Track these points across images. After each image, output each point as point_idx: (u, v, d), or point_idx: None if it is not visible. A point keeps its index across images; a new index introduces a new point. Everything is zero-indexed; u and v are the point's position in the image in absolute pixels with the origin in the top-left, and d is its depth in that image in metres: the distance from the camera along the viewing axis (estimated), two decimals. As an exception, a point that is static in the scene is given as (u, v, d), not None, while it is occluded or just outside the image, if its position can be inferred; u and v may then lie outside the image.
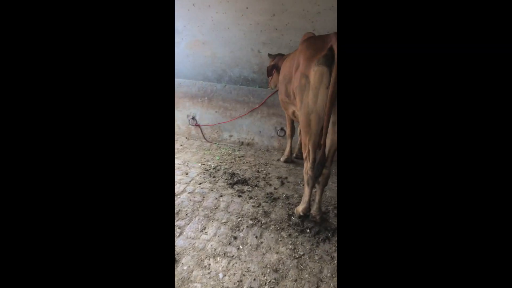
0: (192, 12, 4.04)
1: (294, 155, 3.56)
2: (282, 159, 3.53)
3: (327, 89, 1.94)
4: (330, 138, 2.09)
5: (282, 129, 3.75)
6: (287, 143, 3.47)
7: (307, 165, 2.22)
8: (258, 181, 3.06)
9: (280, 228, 2.37)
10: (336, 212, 2.59)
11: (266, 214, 2.54)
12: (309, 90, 2.01)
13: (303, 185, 2.88)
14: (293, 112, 2.59)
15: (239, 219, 2.45)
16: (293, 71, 2.33)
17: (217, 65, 4.40)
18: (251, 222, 2.42)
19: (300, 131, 3.51)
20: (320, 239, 2.25)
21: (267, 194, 2.83)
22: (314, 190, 2.34)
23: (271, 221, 2.45)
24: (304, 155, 2.24)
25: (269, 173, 3.25)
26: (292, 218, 2.50)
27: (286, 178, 3.17)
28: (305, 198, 2.34)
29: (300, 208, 2.41)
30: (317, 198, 2.33)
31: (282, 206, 2.67)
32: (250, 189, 2.90)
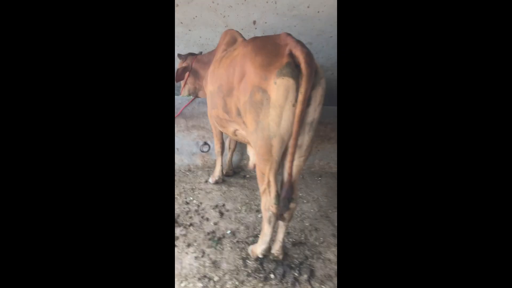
0: None
1: (224, 172, 3.04)
2: (211, 180, 2.96)
3: (294, 107, 1.51)
4: (296, 165, 1.67)
5: (205, 143, 3.16)
6: (216, 161, 2.91)
7: (267, 200, 1.76)
8: (191, 218, 2.42)
9: (239, 282, 1.84)
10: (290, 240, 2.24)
11: (215, 265, 1.96)
12: (269, 108, 1.53)
13: (261, 220, 2.42)
14: (235, 131, 2.07)
15: (182, 285, 1.80)
16: (233, 80, 1.79)
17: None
18: (200, 284, 1.80)
19: (230, 147, 3.03)
20: (289, 284, 1.85)
21: (208, 234, 2.24)
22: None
23: (224, 274, 1.90)
24: (262, 188, 1.77)
25: (201, 203, 2.64)
26: (248, 262, 2.01)
27: (224, 205, 2.63)
28: (265, 238, 1.88)
29: (258, 250, 1.94)
30: (280, 236, 1.90)
31: (231, 248, 2.13)
32: (184, 232, 2.24)
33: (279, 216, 1.76)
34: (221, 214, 2.50)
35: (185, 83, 2.97)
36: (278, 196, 1.71)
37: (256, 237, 2.25)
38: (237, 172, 3.24)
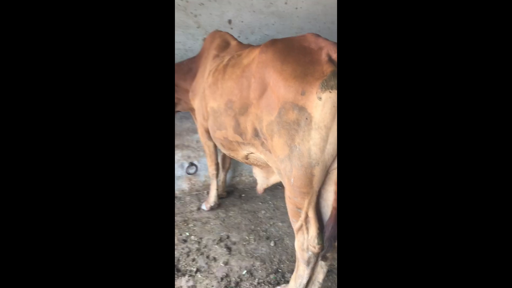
0: None
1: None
2: (205, 207, 2.55)
3: None
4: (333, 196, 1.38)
5: (191, 164, 2.73)
6: (211, 185, 2.51)
7: (305, 239, 1.45)
8: (194, 261, 2.00)
9: None
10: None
11: (242, 322, 1.60)
12: (311, 130, 1.21)
13: (275, 250, 2.09)
14: (247, 155, 1.71)
15: None
16: (249, 95, 1.44)
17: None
18: None
19: (224, 166, 2.62)
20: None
21: (222, 280, 1.86)
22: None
23: (256, 332, 1.55)
24: (298, 225, 1.45)
25: (200, 238, 2.23)
26: (279, 308, 1.69)
27: (228, 237, 2.26)
28: (301, 280, 1.57)
29: (293, 294, 1.62)
30: (320, 277, 1.59)
31: (254, 293, 1.79)
32: (192, 283, 1.83)
33: (323, 256, 1.46)
34: (229, 249, 2.12)
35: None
36: (321, 234, 1.40)
37: (277, 273, 1.93)
38: (230, 192, 2.87)
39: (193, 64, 2.39)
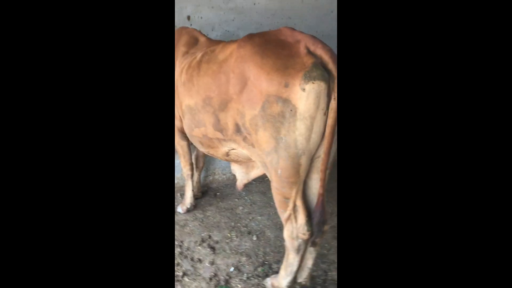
0: None
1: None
2: (181, 209, 2.48)
3: (325, 116, 1.26)
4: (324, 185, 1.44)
5: (162, 167, 2.62)
6: (186, 186, 2.44)
7: (294, 227, 1.49)
8: (179, 264, 1.95)
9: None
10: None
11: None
12: (296, 121, 1.25)
13: (258, 244, 2.11)
14: (228, 152, 1.69)
15: None
16: (229, 91, 1.43)
17: None
18: None
19: (198, 166, 2.55)
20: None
21: (210, 280, 1.84)
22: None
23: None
24: (286, 215, 1.49)
25: (182, 242, 2.17)
26: (270, 299, 1.72)
27: (210, 237, 2.23)
28: (291, 268, 1.62)
29: (283, 283, 1.66)
30: (309, 263, 1.65)
31: (245, 288, 1.79)
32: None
33: (310, 243, 1.52)
34: (212, 248, 2.10)
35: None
36: (309, 221, 1.45)
37: (264, 265, 1.96)
38: (204, 192, 2.82)
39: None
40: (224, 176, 3.02)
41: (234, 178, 3.09)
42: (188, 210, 2.48)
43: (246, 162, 1.85)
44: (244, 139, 1.50)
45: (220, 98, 1.48)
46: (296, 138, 1.28)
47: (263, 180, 2.92)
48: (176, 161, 2.71)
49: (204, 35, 2.09)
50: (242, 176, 1.94)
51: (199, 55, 1.71)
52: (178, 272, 1.88)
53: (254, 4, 3.33)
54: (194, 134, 1.74)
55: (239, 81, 1.38)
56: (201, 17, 3.08)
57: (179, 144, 2.22)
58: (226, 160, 1.84)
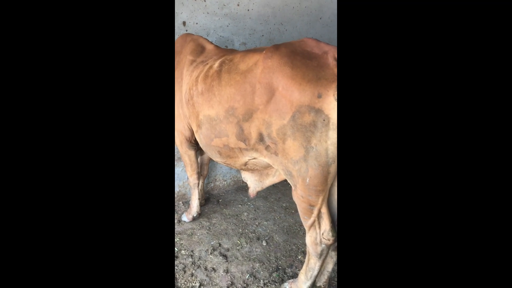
0: None
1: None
2: (186, 218, 2.45)
3: None
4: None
5: (164, 176, 2.57)
6: (192, 195, 2.41)
7: (317, 233, 1.54)
8: (193, 275, 1.93)
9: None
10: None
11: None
12: (329, 130, 1.30)
13: (269, 249, 2.13)
14: (247, 161, 1.70)
15: None
16: (254, 101, 1.45)
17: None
18: None
19: (202, 173, 2.53)
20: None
21: (228, 288, 1.84)
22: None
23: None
24: (310, 222, 1.54)
25: (192, 251, 2.14)
26: (290, 304, 1.75)
27: (220, 245, 2.22)
28: (312, 273, 1.67)
29: (303, 287, 1.70)
30: (330, 267, 1.70)
31: (264, 295, 1.81)
32: (199, 298, 1.76)
33: (333, 248, 1.57)
34: (225, 256, 2.09)
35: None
36: (334, 227, 1.51)
37: (278, 270, 2.00)
38: (207, 199, 2.80)
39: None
40: (225, 182, 3.01)
41: (234, 184, 3.10)
42: (194, 219, 2.46)
43: (259, 170, 1.87)
44: (267, 148, 1.53)
45: (244, 108, 1.49)
46: (328, 147, 1.33)
47: (263, 185, 2.95)
48: (177, 169, 2.66)
49: (210, 42, 2.08)
50: (255, 184, 1.96)
51: (215, 64, 1.70)
52: (194, 283, 1.86)
53: (248, 10, 3.36)
54: (213, 144, 1.73)
55: (266, 92, 1.40)
56: (197, 23, 3.06)
57: (187, 154, 2.19)
58: (242, 169, 1.85)
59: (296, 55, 1.38)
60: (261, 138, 1.52)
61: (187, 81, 1.88)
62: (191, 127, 2.02)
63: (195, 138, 2.10)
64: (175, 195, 2.71)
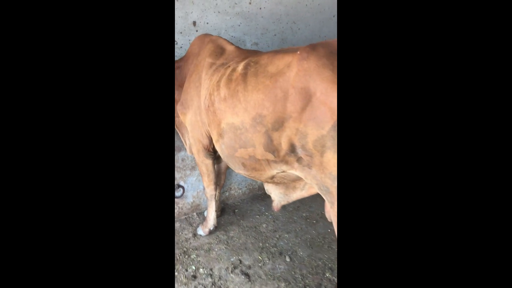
0: None
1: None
2: (202, 231, 2.29)
3: None
4: None
5: (178, 186, 2.41)
6: (209, 207, 2.25)
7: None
8: (215, 297, 1.76)
9: None
10: None
11: None
12: None
13: (295, 265, 1.97)
14: (275, 174, 1.54)
15: None
16: (287, 108, 1.29)
17: None
18: None
19: (218, 184, 2.35)
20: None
21: (254, 313, 1.67)
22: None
23: None
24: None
25: (211, 269, 1.98)
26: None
27: (241, 262, 2.06)
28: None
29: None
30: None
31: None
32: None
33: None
34: (247, 275, 1.94)
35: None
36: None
37: (306, 290, 1.83)
38: (223, 209, 2.64)
39: (177, 70, 2.09)
40: (240, 191, 2.86)
41: (250, 193, 2.94)
42: (210, 232, 2.30)
43: (286, 183, 1.71)
44: (299, 160, 1.37)
45: (275, 116, 1.33)
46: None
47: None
48: (191, 178, 2.50)
49: (230, 43, 1.92)
50: (280, 197, 1.80)
51: (239, 66, 1.54)
52: (217, 307, 1.70)
53: (260, 8, 3.20)
54: (238, 155, 1.57)
55: (301, 97, 1.24)
56: (207, 23, 2.91)
57: (204, 163, 2.03)
58: (268, 182, 1.69)
59: (334, 58, 1.22)
60: (292, 150, 1.35)
61: (206, 86, 1.72)
62: (209, 135, 1.86)
63: (213, 147, 1.94)
64: (189, 206, 2.55)
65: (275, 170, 1.51)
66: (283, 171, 1.49)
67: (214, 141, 1.75)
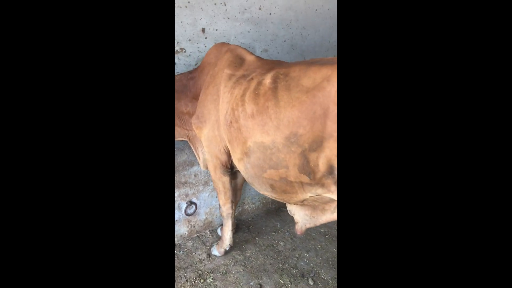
0: None
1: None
2: (217, 251, 2.15)
3: None
4: None
5: (190, 203, 2.26)
6: (224, 226, 2.11)
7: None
8: (238, 329, 1.62)
9: None
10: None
11: None
12: None
13: None
14: (307, 198, 1.41)
15: None
16: (325, 127, 1.17)
17: None
18: None
19: (233, 201, 2.20)
20: None
21: None
22: None
23: None
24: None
25: (230, 295, 1.84)
26: None
27: (261, 286, 1.92)
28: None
29: None
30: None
31: None
32: None
33: None
34: (270, 302, 1.79)
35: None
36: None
37: (335, 318, 1.69)
38: (237, 225, 2.50)
39: (191, 81, 1.95)
40: (254, 206, 2.72)
41: (263, 207, 2.80)
42: (226, 252, 2.15)
43: (313, 205, 1.58)
44: (337, 182, 1.24)
45: (312, 136, 1.21)
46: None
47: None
48: (204, 194, 2.36)
49: (250, 52, 1.79)
50: (305, 219, 1.67)
51: (265, 80, 1.41)
52: None
53: (270, 14, 3.10)
54: (266, 176, 1.44)
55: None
56: (216, 29, 2.79)
57: (221, 180, 1.89)
58: (298, 205, 1.56)
59: None
60: (331, 172, 1.23)
61: (227, 100, 1.58)
62: (228, 151, 1.72)
63: (232, 163, 1.81)
64: (202, 223, 2.40)
65: (309, 193, 1.37)
66: (318, 195, 1.36)
67: (235, 159, 1.62)
